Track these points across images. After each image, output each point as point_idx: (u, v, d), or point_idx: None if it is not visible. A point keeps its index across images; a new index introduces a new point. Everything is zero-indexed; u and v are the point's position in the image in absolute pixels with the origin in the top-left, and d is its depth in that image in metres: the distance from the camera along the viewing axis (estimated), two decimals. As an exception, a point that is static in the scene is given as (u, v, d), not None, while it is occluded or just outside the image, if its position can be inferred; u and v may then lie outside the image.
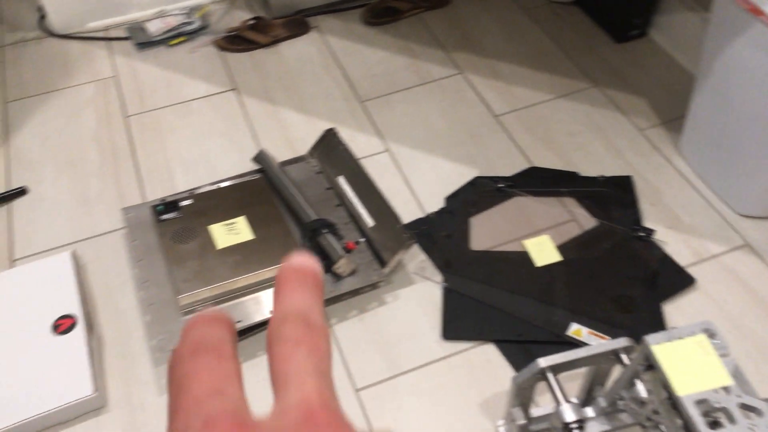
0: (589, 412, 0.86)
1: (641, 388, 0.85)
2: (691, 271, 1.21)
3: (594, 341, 1.10)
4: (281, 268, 0.24)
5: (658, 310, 1.14)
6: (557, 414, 0.86)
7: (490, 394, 1.07)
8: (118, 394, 1.09)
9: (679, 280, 1.19)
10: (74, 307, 1.14)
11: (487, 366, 1.10)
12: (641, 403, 0.81)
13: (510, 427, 0.96)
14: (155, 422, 1.05)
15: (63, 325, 1.12)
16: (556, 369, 0.89)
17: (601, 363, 0.91)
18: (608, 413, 0.87)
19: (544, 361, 0.88)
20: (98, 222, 1.35)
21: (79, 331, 1.11)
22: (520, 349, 1.11)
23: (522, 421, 0.92)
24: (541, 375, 0.89)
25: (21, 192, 1.41)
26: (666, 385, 0.78)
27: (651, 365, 0.77)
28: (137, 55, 1.76)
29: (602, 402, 0.86)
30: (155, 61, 1.74)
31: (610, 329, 1.11)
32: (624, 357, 0.90)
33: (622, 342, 0.90)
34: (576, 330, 1.11)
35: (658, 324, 1.12)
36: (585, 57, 1.68)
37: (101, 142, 1.52)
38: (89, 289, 1.23)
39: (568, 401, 0.87)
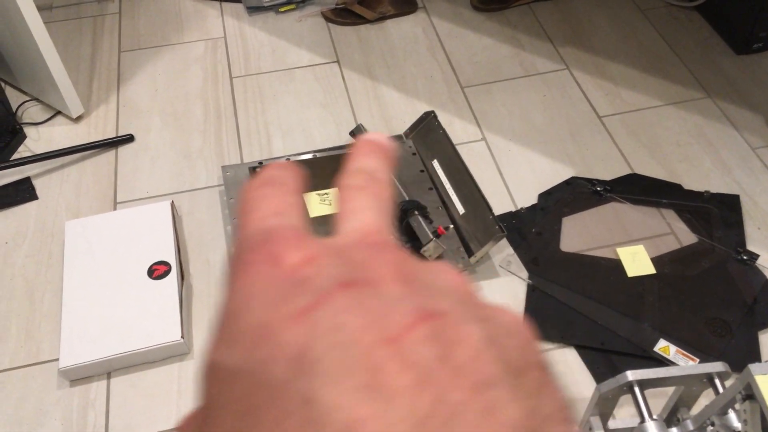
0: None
1: (733, 417, 0.82)
2: (794, 302, 1.15)
3: (682, 361, 1.06)
4: (357, 141, 0.25)
5: (755, 338, 1.09)
6: (640, 430, 0.84)
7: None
8: (203, 341, 1.13)
9: (779, 311, 1.13)
10: (169, 255, 1.19)
11: (565, 370, 1.08)
12: (734, 432, 0.78)
13: (585, 434, 0.94)
14: (234, 376, 1.09)
15: (158, 271, 1.17)
16: (644, 384, 0.87)
17: (692, 385, 0.88)
18: (694, 437, 0.84)
19: (632, 374, 0.86)
20: (197, 176, 1.39)
21: (173, 278, 1.16)
22: (602, 358, 1.09)
23: (600, 431, 0.90)
24: (628, 388, 0.87)
25: (129, 139, 1.47)
26: (765, 419, 0.74)
27: (750, 395, 0.74)
28: (247, 19, 1.80)
29: (690, 425, 0.83)
30: (264, 26, 1.77)
31: (700, 351, 1.07)
32: (717, 382, 0.86)
33: (717, 366, 0.86)
34: (664, 347, 1.08)
35: (753, 352, 1.07)
36: (701, 65, 1.61)
37: (206, 100, 1.56)
38: (183, 240, 1.28)
39: (653, 418, 0.84)
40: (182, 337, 1.09)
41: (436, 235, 1.15)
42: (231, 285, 0.18)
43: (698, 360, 1.06)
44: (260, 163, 1.33)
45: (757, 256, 1.19)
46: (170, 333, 1.09)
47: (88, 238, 1.21)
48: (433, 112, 1.39)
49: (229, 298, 0.18)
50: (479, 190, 1.23)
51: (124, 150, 1.45)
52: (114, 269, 1.17)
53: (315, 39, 1.73)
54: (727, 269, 1.18)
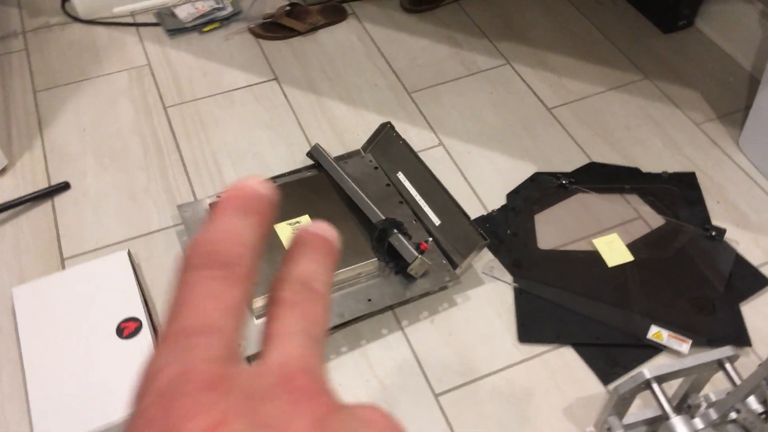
0: (698, 423, 0.84)
1: (752, 401, 0.84)
2: (764, 270, 1.20)
3: (675, 344, 1.08)
4: (297, 231, 0.23)
5: (737, 311, 1.13)
6: (667, 427, 0.84)
7: (574, 399, 1.05)
8: (190, 400, 1.05)
9: (754, 281, 1.17)
10: (137, 310, 1.10)
11: (566, 370, 1.08)
12: (762, 417, 0.80)
13: (604, 435, 0.94)
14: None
15: (128, 328, 1.08)
16: (661, 379, 0.87)
17: (704, 372, 0.89)
18: (716, 425, 0.85)
19: (649, 372, 0.86)
20: (148, 218, 1.30)
21: (146, 334, 1.07)
22: (599, 353, 1.09)
23: (620, 430, 0.90)
24: (645, 385, 0.87)
25: (64, 187, 1.35)
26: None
27: (777, 379, 0.76)
28: (169, 42, 1.70)
29: (713, 414, 0.84)
30: (189, 49, 1.68)
31: (690, 331, 1.09)
32: (728, 366, 0.88)
33: (726, 351, 0.88)
34: (656, 333, 1.09)
35: (739, 326, 1.10)
36: (633, 48, 1.65)
37: (142, 134, 1.46)
38: (147, 290, 1.19)
39: (677, 413, 0.85)
40: (169, 397, 1.00)
41: (420, 251, 1.12)
42: None
43: (690, 341, 1.08)
44: (218, 196, 1.25)
45: (724, 230, 1.23)
46: (155, 396, 1.00)
47: (42, 303, 1.11)
48: (389, 123, 1.35)
49: None
50: (452, 199, 1.21)
51: (61, 199, 1.34)
52: (78, 334, 1.07)
53: (247, 57, 1.65)
54: (698, 247, 1.21)
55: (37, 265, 1.23)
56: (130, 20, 1.75)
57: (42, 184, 1.36)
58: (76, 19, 1.76)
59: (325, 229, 0.24)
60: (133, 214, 1.31)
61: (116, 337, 1.07)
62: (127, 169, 1.39)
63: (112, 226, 1.29)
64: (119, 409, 0.99)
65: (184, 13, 1.75)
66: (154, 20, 1.75)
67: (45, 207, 1.32)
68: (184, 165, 1.40)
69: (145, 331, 1.08)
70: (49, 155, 1.42)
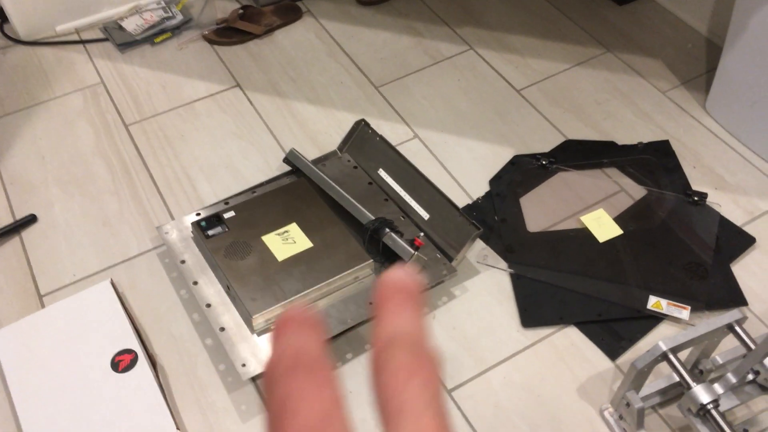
0: (719, 388, 0.85)
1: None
2: (747, 229, 1.22)
3: (676, 312, 1.10)
4: (381, 284, 0.22)
5: (729, 273, 1.15)
6: (690, 396, 0.85)
7: (585, 378, 1.05)
8: (198, 426, 1.02)
9: (740, 241, 1.20)
10: (130, 341, 1.06)
11: (573, 350, 1.09)
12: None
13: (623, 410, 0.95)
14: (246, 453, 0.99)
15: (123, 361, 1.04)
16: (676, 350, 0.88)
17: (715, 337, 0.91)
18: (736, 388, 0.87)
19: (664, 344, 0.87)
20: (126, 244, 1.25)
21: (143, 365, 1.03)
22: (603, 329, 1.10)
23: (640, 404, 0.90)
24: (662, 357, 0.88)
25: (31, 220, 1.28)
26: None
27: (794, 338, 0.77)
28: (121, 57, 1.63)
29: (732, 378, 0.86)
30: (143, 62, 1.61)
31: (688, 298, 1.11)
32: (738, 329, 0.89)
33: (735, 315, 0.89)
34: (655, 303, 1.11)
35: (733, 287, 1.13)
36: (591, 22, 1.67)
37: (106, 157, 1.40)
38: (136, 318, 1.14)
39: (698, 382, 0.86)
40: (177, 428, 0.97)
41: (415, 248, 1.10)
42: None
43: (689, 307, 1.10)
44: (198, 214, 1.21)
45: (706, 194, 1.26)
46: (163, 428, 0.97)
47: (26, 346, 1.05)
48: (363, 120, 1.33)
49: None
50: (439, 191, 1.20)
51: (29, 234, 1.27)
52: (71, 374, 1.02)
53: (205, 65, 1.60)
54: (683, 213, 1.23)
55: (13, 306, 1.16)
56: (75, 38, 1.68)
57: (6, 220, 1.29)
58: (18, 41, 1.67)
59: (409, 277, 0.22)
60: (108, 241, 1.25)
61: (112, 371, 1.02)
62: (95, 194, 1.33)
63: (88, 256, 1.23)
64: (126, 446, 0.95)
65: (132, 25, 1.68)
66: (101, 36, 1.68)
67: (13, 243, 1.25)
68: (155, 184, 1.35)
69: (142, 362, 1.03)
70: (9, 188, 1.35)
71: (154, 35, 1.67)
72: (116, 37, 1.66)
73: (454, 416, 1.02)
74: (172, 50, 1.64)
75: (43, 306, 1.16)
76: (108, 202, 1.32)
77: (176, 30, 1.69)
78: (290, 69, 1.58)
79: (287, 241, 1.12)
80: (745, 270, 1.17)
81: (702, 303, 1.10)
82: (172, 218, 1.28)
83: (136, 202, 1.31)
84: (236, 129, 1.45)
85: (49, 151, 1.42)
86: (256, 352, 1.01)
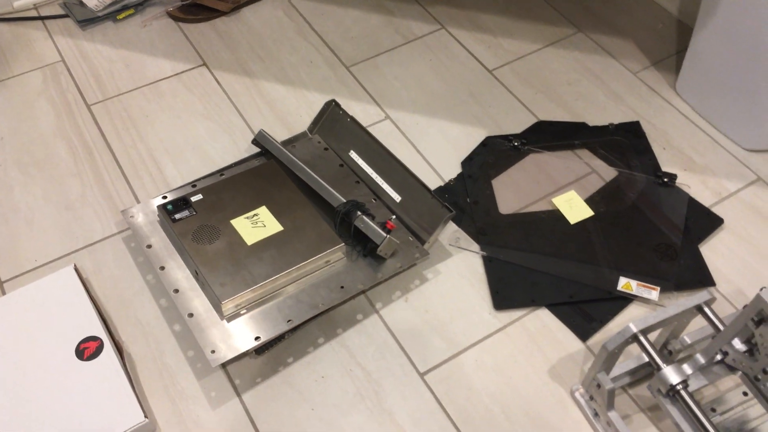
0: (687, 369, 0.86)
1: (737, 342, 0.86)
2: (715, 210, 1.24)
3: (645, 293, 1.11)
4: None
5: (698, 254, 1.16)
6: (660, 377, 0.86)
7: (556, 360, 1.06)
8: (167, 414, 1.00)
9: (708, 222, 1.21)
10: (95, 328, 1.03)
11: (545, 331, 1.09)
12: (747, 355, 0.82)
13: (593, 391, 0.96)
14: (216, 440, 0.97)
15: (88, 349, 1.01)
16: (646, 331, 0.89)
17: (684, 318, 0.92)
18: (704, 368, 0.88)
19: (635, 326, 0.88)
20: (90, 228, 1.21)
21: (109, 352, 1.00)
22: (574, 310, 1.10)
23: (610, 386, 0.91)
24: (632, 338, 0.88)
25: (-11, 204, 1.24)
26: (775, 337, 0.78)
27: (762, 320, 0.78)
28: (82, 35, 1.57)
29: (701, 359, 0.86)
30: (105, 40, 1.56)
31: (657, 278, 1.12)
32: (707, 310, 0.90)
33: (704, 296, 0.90)
34: (625, 284, 1.11)
35: (701, 268, 1.14)
36: (562, 1, 1.65)
37: (67, 138, 1.36)
38: (101, 304, 1.11)
39: (667, 363, 0.86)
40: (145, 416, 0.95)
41: (387, 231, 1.09)
42: None
43: (659, 288, 1.11)
44: (164, 197, 1.18)
45: (675, 176, 1.26)
46: (130, 416, 0.95)
47: (-13, 335, 1.02)
48: (333, 101, 1.30)
49: None
50: (411, 173, 1.18)
51: (-13, 218, 1.23)
52: (34, 362, 0.99)
53: (170, 43, 1.55)
54: (653, 195, 1.24)
55: (-28, 292, 1.13)
56: (34, 14, 1.61)
57: (-37, 204, 1.24)
58: (-28, 18, 1.60)
59: None
60: (71, 225, 1.22)
61: (77, 359, 1.00)
62: (57, 177, 1.29)
63: (50, 240, 1.20)
64: (92, 436, 0.92)
65: (93, 1, 1.62)
66: (61, 12, 1.62)
67: (-29, 228, 1.21)
68: (120, 167, 1.31)
69: (108, 349, 1.01)
70: (-35, 171, 1.30)
71: (117, 11, 1.61)
72: (77, 14, 1.60)
73: (427, 400, 1.01)
74: (136, 27, 1.59)
75: (3, 293, 1.12)
76: (70, 185, 1.28)
77: (139, 6, 1.64)
78: (258, 48, 1.54)
79: (257, 225, 1.10)
80: (713, 251, 1.18)
81: (671, 284, 1.11)
82: (138, 201, 1.25)
83: (99, 185, 1.27)
84: (203, 109, 1.41)
85: (8, 132, 1.37)
86: (225, 338, 0.99)
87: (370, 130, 1.36)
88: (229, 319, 1.02)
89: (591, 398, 0.98)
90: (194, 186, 1.20)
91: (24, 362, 0.99)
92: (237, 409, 1.00)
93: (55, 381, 0.97)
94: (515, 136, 1.34)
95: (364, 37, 1.57)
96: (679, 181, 1.26)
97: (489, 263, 1.16)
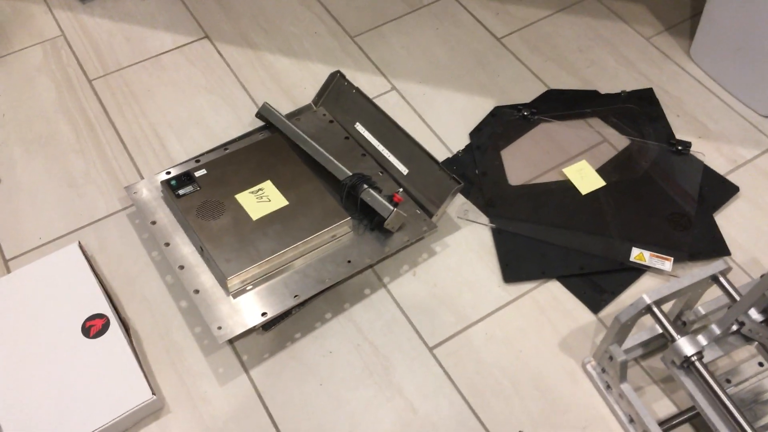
0: (702, 340, 0.84)
1: (753, 312, 0.84)
2: (730, 178, 1.21)
3: (658, 264, 1.08)
4: None
5: (712, 223, 1.13)
6: (674, 349, 0.84)
7: (567, 332, 1.04)
8: (175, 391, 0.99)
9: (723, 190, 1.18)
10: (101, 305, 1.02)
11: (555, 304, 1.07)
12: (763, 325, 0.80)
13: (605, 363, 0.94)
14: (226, 411, 0.97)
15: (95, 327, 1.00)
16: (660, 302, 0.87)
17: (698, 288, 0.89)
18: (719, 339, 0.86)
19: (648, 297, 0.86)
20: (94, 205, 1.20)
21: (115, 329, 1.00)
22: (585, 282, 1.08)
23: (623, 357, 0.89)
24: (646, 310, 0.87)
25: (-8, 182, 1.23)
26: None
27: (780, 289, 0.76)
28: (82, 8, 1.55)
29: (715, 329, 0.84)
30: (104, 13, 1.53)
31: (671, 249, 1.10)
32: (722, 280, 0.88)
33: (719, 266, 0.88)
34: (638, 255, 1.09)
35: (716, 237, 1.11)
36: (573, -34, 1.61)
37: (69, 114, 1.34)
38: (107, 282, 1.10)
39: (681, 334, 0.85)
40: (153, 393, 0.94)
41: (394, 204, 1.07)
42: None
43: (672, 258, 1.09)
44: (168, 172, 1.16)
45: (689, 143, 1.23)
46: (138, 393, 0.94)
47: (-7, 314, 1.01)
48: (338, 72, 1.28)
49: None
50: (418, 145, 1.16)
51: (-9, 196, 1.22)
52: (41, 340, 0.98)
53: (171, 16, 1.52)
54: (667, 163, 1.21)
55: (-23, 271, 1.12)
56: (32, -12, 1.58)
57: (-34, 182, 1.23)
58: (-30, -7, 1.58)
59: None
60: (75, 202, 1.20)
61: (83, 337, 0.99)
62: (59, 154, 1.27)
63: (54, 218, 1.19)
64: (103, 412, 0.92)
65: (92, -26, 1.59)
66: (59, -15, 1.59)
67: (-25, 207, 1.20)
68: (122, 142, 1.29)
69: (114, 326, 1.00)
70: (-33, 149, 1.29)
71: (117, -16, 1.58)
72: (76, -13, 1.57)
73: (436, 374, 1.00)
74: (136, 0, 1.56)
75: (8, 271, 1.12)
76: (73, 161, 1.26)
77: (140, -22, 1.60)
78: (261, 19, 1.51)
79: (262, 200, 1.09)
80: (728, 220, 1.16)
81: (685, 254, 1.09)
82: (141, 177, 1.23)
83: (102, 161, 1.26)
84: (206, 83, 1.39)
85: (9, 108, 1.35)
86: (232, 314, 0.98)
87: (376, 101, 1.34)
88: (236, 295, 1.00)
89: (603, 371, 0.96)
90: (198, 161, 1.18)
91: (30, 341, 0.98)
92: (245, 385, 0.99)
93: (61, 359, 0.97)
94: (524, 106, 1.31)
95: (369, 6, 1.53)
96: (693, 149, 1.23)
97: (498, 235, 1.14)
